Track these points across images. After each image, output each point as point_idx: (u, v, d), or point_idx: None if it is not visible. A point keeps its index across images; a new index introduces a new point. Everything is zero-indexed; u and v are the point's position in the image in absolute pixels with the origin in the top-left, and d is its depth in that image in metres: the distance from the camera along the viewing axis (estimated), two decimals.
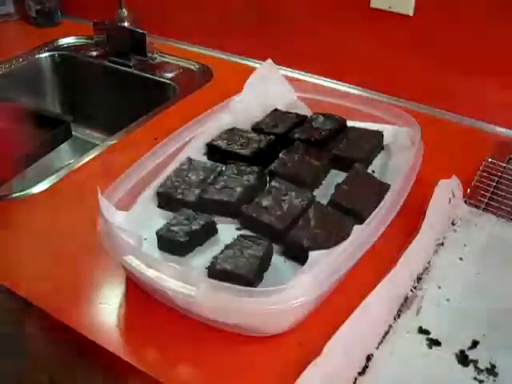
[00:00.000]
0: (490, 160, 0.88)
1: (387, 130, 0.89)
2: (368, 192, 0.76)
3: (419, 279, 0.69)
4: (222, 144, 0.86)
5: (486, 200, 0.80)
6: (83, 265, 0.72)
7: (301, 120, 0.92)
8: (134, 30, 1.19)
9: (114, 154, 0.92)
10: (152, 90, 1.17)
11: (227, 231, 0.74)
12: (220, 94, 0.96)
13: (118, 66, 1.22)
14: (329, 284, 0.62)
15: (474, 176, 0.85)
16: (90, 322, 0.65)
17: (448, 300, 0.66)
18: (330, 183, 0.82)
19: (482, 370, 0.59)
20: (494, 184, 0.83)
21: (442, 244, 0.74)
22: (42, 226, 0.78)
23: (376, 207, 0.69)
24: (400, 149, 0.86)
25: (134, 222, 0.72)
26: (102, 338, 0.62)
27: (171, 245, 0.71)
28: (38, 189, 0.84)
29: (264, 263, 0.68)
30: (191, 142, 0.86)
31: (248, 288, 0.60)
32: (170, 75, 1.17)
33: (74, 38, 1.32)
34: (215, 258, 0.67)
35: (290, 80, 0.99)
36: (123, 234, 0.64)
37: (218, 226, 0.74)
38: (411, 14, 1.00)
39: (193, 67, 1.19)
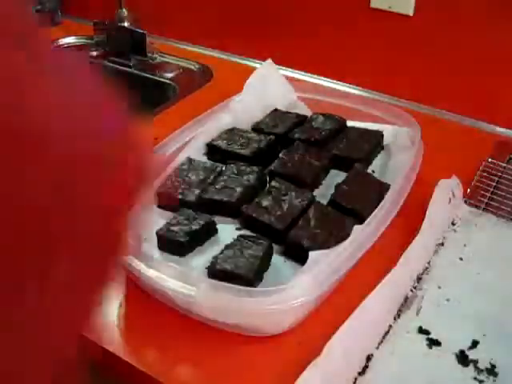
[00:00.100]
0: (489, 160, 0.88)
1: (387, 130, 0.89)
2: (368, 192, 0.76)
3: (419, 279, 0.69)
4: (222, 144, 0.86)
5: (485, 200, 0.80)
6: None
7: (301, 120, 0.92)
8: (134, 30, 1.19)
9: None
10: (152, 89, 1.17)
11: (227, 231, 0.74)
12: (220, 94, 0.96)
13: (118, 66, 1.22)
14: (329, 284, 0.62)
15: (474, 176, 0.85)
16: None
17: (448, 300, 0.66)
18: (330, 183, 0.82)
19: (482, 370, 0.59)
20: (494, 184, 0.83)
21: (442, 244, 0.74)
22: None
23: (376, 207, 0.69)
24: (400, 149, 0.86)
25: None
26: (102, 338, 0.62)
27: (171, 245, 0.71)
28: None
29: (264, 263, 0.68)
30: (191, 142, 0.86)
31: (248, 288, 0.61)
32: (170, 75, 1.17)
33: (74, 37, 1.32)
34: (215, 257, 0.67)
35: (290, 80, 0.99)
36: None
37: (218, 226, 0.74)
38: (411, 14, 1.00)
39: (193, 67, 1.19)
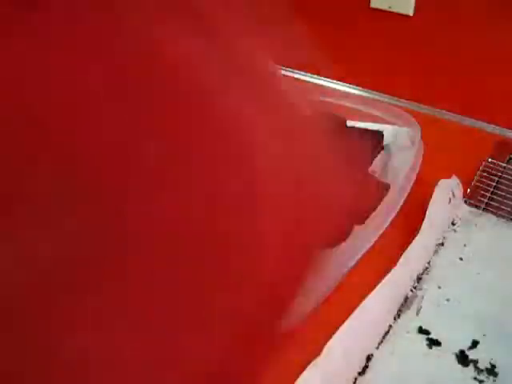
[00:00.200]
0: (489, 160, 0.88)
1: (387, 130, 0.89)
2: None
3: (419, 279, 0.69)
4: None
5: (486, 200, 0.80)
6: None
7: None
8: None
9: None
10: None
11: None
12: None
13: None
14: (329, 284, 0.62)
15: (474, 176, 0.85)
16: None
17: (448, 300, 0.66)
18: None
19: (482, 370, 0.59)
20: (494, 184, 0.83)
21: (442, 244, 0.74)
22: None
23: (376, 207, 0.69)
24: (400, 149, 0.86)
25: None
26: None
27: None
28: None
29: None
30: None
31: None
32: None
33: None
34: None
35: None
36: None
37: None
38: (411, 14, 1.00)
39: None
